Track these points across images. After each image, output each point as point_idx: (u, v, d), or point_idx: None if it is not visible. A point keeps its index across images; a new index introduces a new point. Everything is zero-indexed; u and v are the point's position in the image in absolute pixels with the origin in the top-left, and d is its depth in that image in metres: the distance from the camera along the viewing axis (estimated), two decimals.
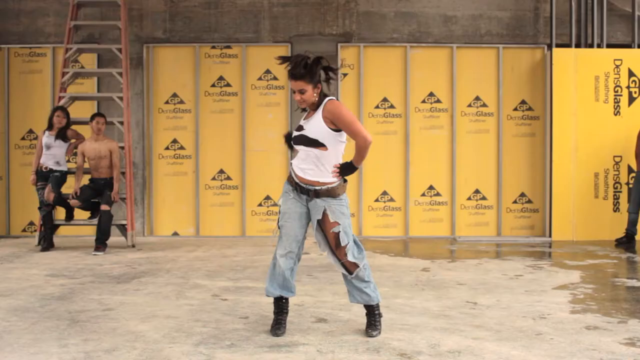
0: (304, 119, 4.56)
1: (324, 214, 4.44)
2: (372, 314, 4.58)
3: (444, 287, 6.30)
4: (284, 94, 10.56)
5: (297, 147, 4.53)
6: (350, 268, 4.48)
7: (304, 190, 4.47)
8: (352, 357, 4.03)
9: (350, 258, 4.45)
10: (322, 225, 4.47)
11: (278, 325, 4.57)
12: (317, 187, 4.44)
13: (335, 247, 4.47)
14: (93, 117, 8.97)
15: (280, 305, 4.63)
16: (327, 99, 4.43)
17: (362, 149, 4.38)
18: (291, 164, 4.57)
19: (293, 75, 4.34)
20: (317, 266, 7.51)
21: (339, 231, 4.44)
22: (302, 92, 4.36)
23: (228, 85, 10.61)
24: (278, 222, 4.58)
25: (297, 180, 4.49)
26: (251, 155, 10.54)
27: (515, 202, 10.57)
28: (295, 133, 4.54)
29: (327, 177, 4.45)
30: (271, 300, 5.61)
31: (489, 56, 10.59)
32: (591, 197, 10.01)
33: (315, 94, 4.39)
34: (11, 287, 6.26)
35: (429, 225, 10.55)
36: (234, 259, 8.13)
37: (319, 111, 4.42)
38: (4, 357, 4.03)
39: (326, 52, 10.47)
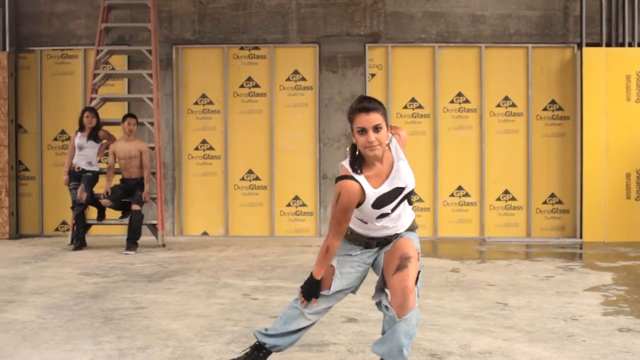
0: (378, 184, 3.39)
1: (399, 240, 3.52)
2: None
3: (473, 287, 6.28)
4: (312, 95, 10.58)
5: (394, 215, 3.47)
6: (407, 306, 3.33)
7: (382, 242, 3.55)
8: None
9: (415, 302, 3.37)
10: (393, 250, 3.50)
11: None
12: (387, 238, 3.55)
13: (400, 268, 3.39)
14: (125, 117, 9.09)
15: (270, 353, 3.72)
16: (390, 135, 3.48)
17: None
18: (356, 228, 3.55)
19: (366, 108, 3.29)
20: None
21: (417, 258, 3.48)
22: (377, 128, 3.29)
23: (256, 86, 10.67)
24: (322, 287, 3.57)
25: (369, 239, 3.55)
26: (280, 155, 10.59)
27: (545, 202, 10.48)
28: (392, 205, 3.43)
29: (411, 214, 3.64)
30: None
31: (518, 56, 10.52)
32: (623, 197, 9.89)
33: (388, 136, 3.39)
34: (46, 285, 6.37)
35: (458, 226, 10.51)
36: (263, 259, 8.17)
37: (397, 154, 3.49)
38: (40, 353, 4.11)
39: (354, 53, 10.49)
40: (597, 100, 9.91)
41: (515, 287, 6.32)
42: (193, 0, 10.68)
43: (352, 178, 3.35)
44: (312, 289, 3.55)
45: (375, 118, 3.28)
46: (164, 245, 9.30)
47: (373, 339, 4.39)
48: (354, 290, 3.69)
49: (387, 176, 3.43)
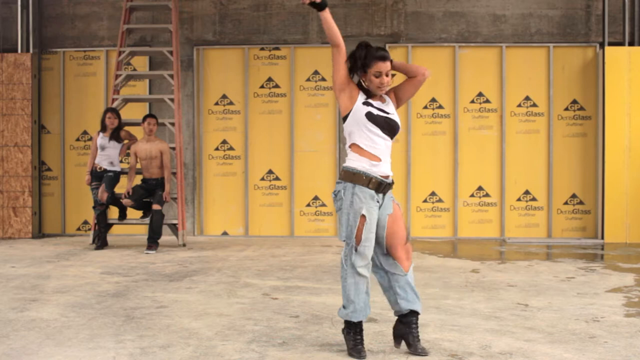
0: (372, 99, 4.09)
1: (394, 207, 4.14)
2: (414, 324, 4.14)
3: (494, 288, 6.25)
4: (332, 95, 10.59)
5: (378, 130, 4.04)
6: (408, 264, 4.12)
7: (386, 188, 4.10)
8: (403, 357, 4.05)
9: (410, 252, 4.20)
10: (391, 219, 4.10)
11: (361, 345, 4.08)
12: (389, 181, 4.12)
13: (406, 240, 4.13)
14: (145, 118, 9.15)
15: (360, 325, 4.11)
16: None
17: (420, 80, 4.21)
18: (362, 167, 4.04)
19: (384, 57, 4.04)
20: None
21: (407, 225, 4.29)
22: (390, 75, 4.07)
23: (277, 86, 10.71)
24: (352, 233, 4.00)
25: (381, 178, 4.06)
26: (299, 155, 10.61)
27: (566, 203, 10.41)
28: (377, 111, 4.05)
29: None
30: (322, 300, 5.66)
31: (539, 55, 10.46)
32: None
33: None
34: (68, 284, 6.44)
35: (478, 227, 10.47)
36: (283, 259, 8.20)
37: (389, 101, 4.15)
38: (63, 351, 4.16)
39: None
40: (619, 100, 9.82)
41: (536, 288, 6.28)
42: (214, 2, 10.75)
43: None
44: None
45: (388, 65, 4.04)
46: (184, 245, 9.36)
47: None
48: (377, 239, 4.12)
49: (387, 104, 4.14)
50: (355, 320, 4.06)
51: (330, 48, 4.21)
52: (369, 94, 4.12)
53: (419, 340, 4.12)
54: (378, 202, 4.06)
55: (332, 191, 4.22)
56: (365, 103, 4.07)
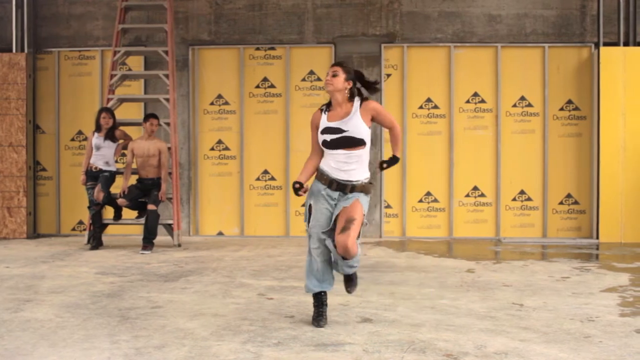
0: (331, 120, 4.77)
1: (353, 202, 4.68)
2: (350, 277, 4.93)
3: (489, 288, 6.26)
4: (327, 96, 10.55)
5: (335, 151, 4.72)
6: (348, 255, 4.64)
7: (340, 186, 4.73)
8: (398, 356, 4.04)
9: (357, 249, 4.69)
10: (345, 210, 4.67)
11: (319, 317, 4.82)
12: (355, 183, 4.73)
13: (344, 230, 4.60)
14: (147, 117, 9.14)
15: (320, 299, 4.87)
16: (362, 99, 4.84)
17: (399, 137, 4.95)
18: (324, 167, 4.79)
19: (333, 63, 5.02)
20: (361, 267, 7.50)
21: (362, 220, 4.70)
22: (334, 74, 4.80)
23: (272, 86, 10.70)
24: (308, 221, 4.84)
25: (336, 179, 4.73)
26: (295, 155, 10.60)
27: (561, 203, 10.43)
28: (331, 136, 4.72)
29: (366, 173, 4.81)
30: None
31: (535, 55, 10.47)
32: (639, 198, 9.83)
33: (344, 87, 4.80)
34: (63, 284, 6.43)
35: (474, 226, 10.48)
36: (279, 259, 8.19)
37: (356, 112, 4.76)
38: (58, 352, 4.15)
39: (370, 53, 10.49)
40: (614, 100, 9.84)
41: (531, 287, 6.29)
42: (209, 1, 10.73)
43: (320, 109, 4.93)
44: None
45: (334, 69, 4.84)
46: (179, 245, 9.35)
47: (389, 339, 4.41)
48: (326, 232, 4.77)
49: (340, 119, 4.78)
50: (309, 292, 4.86)
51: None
52: (330, 108, 4.87)
53: (350, 284, 4.93)
54: (334, 199, 4.74)
55: None
56: (324, 130, 4.78)
